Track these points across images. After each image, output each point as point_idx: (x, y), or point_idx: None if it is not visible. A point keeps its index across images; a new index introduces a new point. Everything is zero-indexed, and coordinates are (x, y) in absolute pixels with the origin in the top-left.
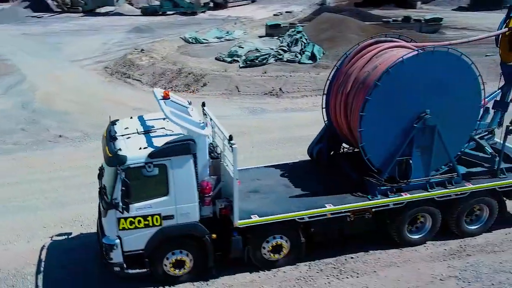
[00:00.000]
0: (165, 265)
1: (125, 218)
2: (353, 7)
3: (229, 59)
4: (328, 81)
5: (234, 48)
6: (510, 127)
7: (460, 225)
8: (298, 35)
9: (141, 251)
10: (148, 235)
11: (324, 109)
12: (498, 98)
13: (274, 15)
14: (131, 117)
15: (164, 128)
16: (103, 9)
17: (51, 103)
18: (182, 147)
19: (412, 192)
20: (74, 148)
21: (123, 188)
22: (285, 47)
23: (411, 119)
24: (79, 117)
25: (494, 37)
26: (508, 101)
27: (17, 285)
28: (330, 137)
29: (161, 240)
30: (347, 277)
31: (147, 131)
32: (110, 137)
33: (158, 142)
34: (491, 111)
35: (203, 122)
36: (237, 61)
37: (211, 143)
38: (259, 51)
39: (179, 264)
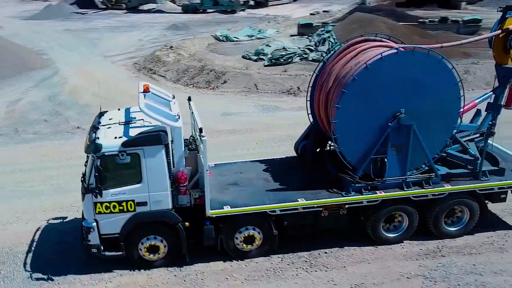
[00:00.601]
0: (140, 250)
1: (101, 203)
2: (394, 7)
3: (255, 58)
4: (315, 75)
5: (261, 47)
6: (491, 130)
7: (438, 226)
8: (327, 35)
9: (116, 235)
10: (123, 220)
11: (308, 101)
12: (491, 101)
13: (311, 14)
14: (119, 109)
15: (143, 119)
16: (145, 7)
17: (77, 96)
18: (154, 137)
19: (388, 191)
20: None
21: (96, 174)
22: (312, 46)
23: (387, 117)
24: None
25: (488, 39)
26: (501, 103)
27: (7, 262)
28: (316, 134)
29: (136, 225)
30: (316, 271)
31: (127, 122)
32: (93, 127)
33: (133, 132)
34: (483, 113)
35: (177, 115)
36: (263, 59)
37: (191, 136)
38: (286, 50)
39: (153, 249)
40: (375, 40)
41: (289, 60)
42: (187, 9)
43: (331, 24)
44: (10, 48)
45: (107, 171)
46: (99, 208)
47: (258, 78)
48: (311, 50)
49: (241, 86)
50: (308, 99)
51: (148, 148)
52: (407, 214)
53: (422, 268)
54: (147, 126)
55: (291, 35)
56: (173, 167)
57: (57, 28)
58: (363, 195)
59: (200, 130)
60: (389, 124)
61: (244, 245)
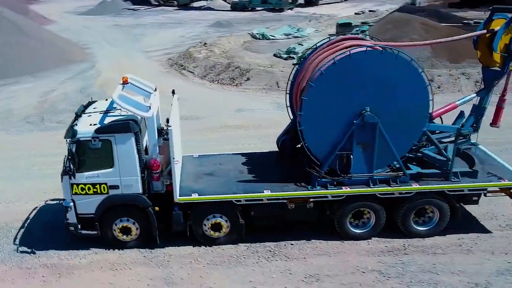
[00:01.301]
0: (114, 230)
1: (77, 184)
2: (446, 7)
3: (285, 56)
4: (296, 68)
5: (294, 45)
6: (461, 131)
7: (406, 225)
8: (360, 35)
9: (92, 215)
10: (97, 201)
11: (288, 95)
12: (476, 103)
13: (355, 13)
14: (106, 99)
15: (120, 109)
16: (196, 4)
17: (106, 89)
18: (123, 125)
19: (354, 187)
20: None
21: (70, 157)
22: None
23: (353, 114)
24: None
25: (472, 39)
26: (486, 106)
27: (2, 234)
28: (294, 130)
29: (109, 207)
30: (276, 260)
31: (107, 111)
32: (75, 114)
33: (108, 121)
34: (466, 115)
35: (149, 106)
36: (293, 58)
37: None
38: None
39: (126, 230)
40: (357, 39)
41: None
42: (235, 7)
43: (370, 23)
44: (56, 42)
45: (82, 155)
46: (75, 189)
47: (281, 76)
48: None
49: (263, 83)
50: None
51: (119, 135)
52: (373, 211)
53: (380, 264)
54: (121, 115)
55: (329, 35)
56: (147, 154)
57: (107, 24)
58: (328, 190)
59: (167, 120)
60: (354, 121)
61: (212, 232)
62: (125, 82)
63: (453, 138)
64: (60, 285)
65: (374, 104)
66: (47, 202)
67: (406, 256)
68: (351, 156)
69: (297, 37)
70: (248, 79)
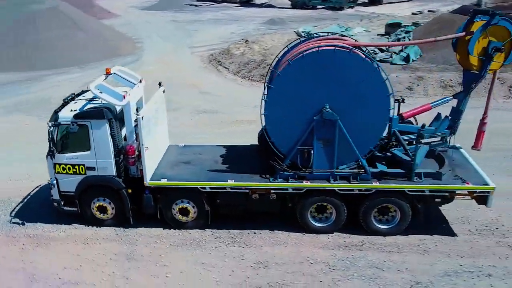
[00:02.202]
0: (93, 209)
1: (59, 164)
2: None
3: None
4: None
5: None
6: (421, 131)
7: (367, 222)
8: (404, 35)
9: (72, 193)
10: (76, 181)
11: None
12: (454, 106)
13: (413, 13)
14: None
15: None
16: (258, 1)
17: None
18: (98, 112)
19: (315, 181)
20: None
21: (50, 139)
22: (385, 46)
23: (315, 112)
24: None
25: (451, 41)
26: (463, 109)
27: (1, 207)
28: None
29: (87, 186)
30: (234, 246)
31: (92, 98)
32: (63, 101)
33: (87, 108)
34: (442, 117)
35: (124, 96)
36: None
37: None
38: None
39: (102, 209)
40: (330, 39)
41: None
42: (296, 4)
43: (420, 24)
44: (109, 36)
45: (63, 138)
46: (57, 169)
47: None
48: (381, 50)
49: None
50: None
51: (94, 121)
52: (334, 206)
53: (331, 257)
54: (101, 103)
55: (378, 34)
56: (124, 140)
57: (165, 19)
58: (288, 183)
59: (137, 109)
60: (314, 118)
61: (180, 216)
62: (108, 73)
63: (429, 140)
64: (35, 253)
65: (335, 102)
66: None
67: (359, 252)
68: (312, 152)
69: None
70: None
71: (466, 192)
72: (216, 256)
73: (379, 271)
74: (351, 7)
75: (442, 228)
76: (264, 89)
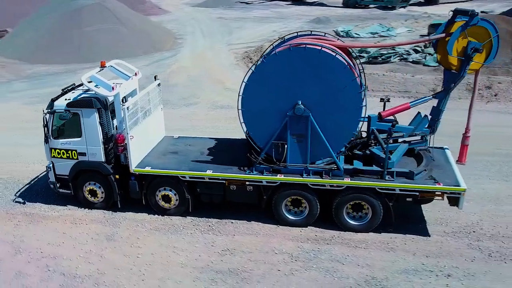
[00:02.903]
0: (84, 192)
1: (54, 149)
2: None
3: (354, 55)
4: None
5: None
6: (392, 130)
7: (339, 218)
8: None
9: (66, 176)
10: (70, 165)
11: None
12: (434, 105)
13: None
14: None
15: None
16: None
17: (173, 77)
18: (86, 102)
19: (288, 175)
20: None
21: (44, 125)
22: (421, 47)
23: (289, 106)
24: (180, 89)
25: (432, 42)
26: (442, 109)
27: (11, 188)
28: None
29: (79, 171)
30: (208, 233)
31: (87, 89)
32: (61, 91)
33: (80, 97)
34: (422, 115)
35: (112, 87)
36: (363, 56)
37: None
38: (394, 49)
39: (93, 193)
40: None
41: (387, 60)
42: (347, 3)
43: None
44: (153, 32)
45: (58, 124)
46: (53, 153)
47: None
48: (416, 51)
49: None
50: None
51: (85, 110)
52: (307, 200)
53: (296, 249)
54: (93, 93)
55: (421, 35)
56: (115, 129)
57: (212, 16)
58: (263, 175)
59: (122, 100)
60: (287, 113)
61: (163, 202)
62: (102, 66)
63: (409, 139)
64: (26, 229)
65: (308, 98)
66: None
67: (326, 246)
68: (286, 146)
69: (383, 36)
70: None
71: (439, 193)
72: (188, 241)
73: (339, 265)
74: (404, 7)
75: (418, 228)
76: (241, 85)
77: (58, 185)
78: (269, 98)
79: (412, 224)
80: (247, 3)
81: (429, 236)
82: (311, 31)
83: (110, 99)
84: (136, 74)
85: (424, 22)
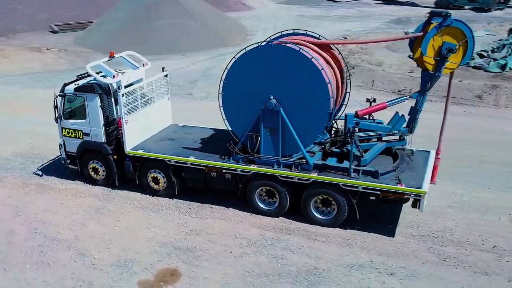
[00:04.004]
0: (89, 169)
1: (64, 128)
2: None
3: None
4: None
5: None
6: (352, 129)
7: (307, 211)
8: (509, 41)
9: (74, 154)
10: (77, 144)
11: None
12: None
13: None
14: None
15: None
16: None
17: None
18: (89, 87)
19: (261, 166)
20: (186, 101)
21: (54, 106)
22: (488, 52)
23: (262, 100)
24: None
25: (409, 42)
26: (419, 109)
27: (35, 162)
28: None
29: (84, 149)
30: (185, 215)
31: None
32: (76, 77)
33: (85, 83)
34: (399, 115)
35: (114, 75)
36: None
37: (143, 92)
38: None
39: (96, 170)
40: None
41: None
42: (440, 4)
43: None
44: (223, 27)
45: (69, 107)
46: (64, 132)
47: (380, 75)
48: (481, 56)
49: (360, 81)
50: None
51: (89, 95)
52: (277, 192)
53: (258, 236)
54: (95, 79)
55: (499, 40)
56: (117, 114)
57: (293, 13)
58: (238, 164)
59: (119, 88)
60: (260, 107)
61: (153, 183)
62: (111, 56)
63: (387, 138)
64: (33, 197)
65: (279, 94)
66: None
67: (287, 236)
68: (259, 138)
69: None
70: (350, 75)
71: (400, 193)
72: (164, 220)
73: (289, 253)
74: (500, 9)
75: (386, 228)
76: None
77: (68, 161)
78: (247, 90)
79: (382, 224)
80: (334, 1)
81: (393, 236)
82: (293, 30)
83: (114, 86)
84: (144, 65)
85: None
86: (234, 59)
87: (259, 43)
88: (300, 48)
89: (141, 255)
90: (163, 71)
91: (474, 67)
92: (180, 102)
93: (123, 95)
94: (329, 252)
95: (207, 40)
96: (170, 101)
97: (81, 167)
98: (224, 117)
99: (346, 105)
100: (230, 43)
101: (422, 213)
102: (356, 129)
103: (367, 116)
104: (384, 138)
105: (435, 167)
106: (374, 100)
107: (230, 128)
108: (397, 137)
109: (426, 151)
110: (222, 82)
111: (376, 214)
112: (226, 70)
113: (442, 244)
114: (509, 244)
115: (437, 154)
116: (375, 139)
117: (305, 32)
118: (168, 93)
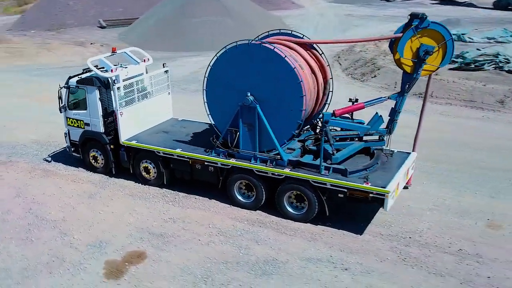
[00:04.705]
0: (90, 157)
1: (68, 118)
2: None
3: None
4: None
5: (470, 50)
6: (325, 128)
7: (280, 205)
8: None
9: (77, 142)
10: (79, 133)
11: None
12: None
13: None
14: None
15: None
16: None
17: None
18: (89, 80)
19: (239, 160)
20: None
21: (59, 97)
22: None
23: (241, 97)
24: None
25: (389, 42)
26: (398, 110)
27: (50, 148)
28: None
29: (85, 138)
30: (169, 204)
31: (100, 68)
32: (82, 70)
33: (86, 76)
34: (378, 116)
35: (111, 70)
36: (456, 61)
37: (141, 86)
38: (497, 56)
39: (95, 159)
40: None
41: (481, 67)
42: (498, 5)
43: None
44: (262, 25)
45: (72, 98)
46: (68, 121)
47: None
48: None
49: (383, 82)
50: None
51: (89, 87)
52: (254, 186)
53: (230, 226)
54: (96, 73)
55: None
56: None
57: (341, 12)
58: (218, 158)
59: (113, 81)
60: (239, 103)
61: (144, 173)
62: (113, 51)
63: (366, 138)
64: (37, 181)
65: (257, 91)
66: None
67: (258, 228)
68: (238, 133)
69: (501, 42)
70: (375, 76)
71: (365, 191)
72: (148, 207)
73: (254, 244)
74: None
75: (357, 226)
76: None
77: (72, 149)
78: (227, 86)
79: (353, 222)
80: (388, 0)
81: (361, 234)
82: (279, 30)
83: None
84: (144, 60)
85: None
86: (215, 57)
87: (237, 42)
88: (275, 47)
89: (116, 238)
90: (163, 67)
91: (508, 71)
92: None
93: (117, 88)
94: (293, 246)
95: (241, 37)
96: (170, 96)
97: (83, 155)
98: (208, 113)
99: (329, 104)
100: None
101: (397, 214)
102: (330, 127)
103: (349, 116)
104: (365, 138)
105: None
106: (356, 100)
107: (213, 123)
108: (376, 137)
109: (407, 152)
110: (205, 79)
111: (351, 212)
112: (209, 67)
113: (407, 244)
114: (476, 248)
115: None
116: (349, 139)
117: (290, 31)
118: (169, 88)
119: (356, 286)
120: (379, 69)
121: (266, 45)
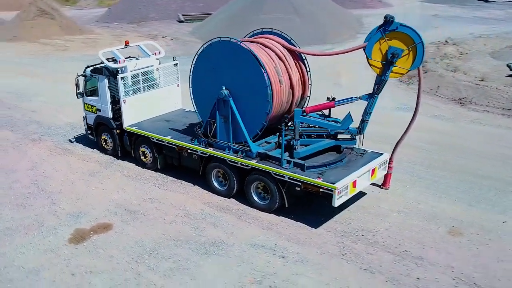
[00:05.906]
0: (101, 140)
1: (85, 103)
2: None
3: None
4: None
5: None
6: (282, 122)
7: (247, 195)
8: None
9: (91, 125)
10: (93, 117)
11: None
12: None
13: None
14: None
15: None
16: None
17: None
18: (99, 70)
19: (216, 150)
20: None
21: (76, 84)
22: None
23: (219, 90)
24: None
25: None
26: (370, 111)
27: (78, 130)
28: None
29: (98, 123)
30: (155, 186)
31: (114, 61)
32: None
33: (98, 66)
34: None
35: (120, 61)
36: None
37: (148, 77)
38: None
39: (105, 141)
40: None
41: None
42: None
43: None
44: (335, 23)
45: (87, 85)
46: (85, 107)
47: (447, 82)
48: None
49: (427, 86)
50: None
51: (100, 76)
52: (227, 174)
53: (198, 210)
54: (106, 64)
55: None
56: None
57: (427, 13)
58: (199, 146)
59: (118, 72)
60: (215, 97)
61: (142, 157)
62: (126, 44)
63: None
64: (53, 157)
65: (231, 85)
66: None
67: (222, 214)
68: (215, 124)
69: None
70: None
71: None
72: (136, 187)
73: (210, 227)
74: None
75: (316, 220)
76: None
77: (89, 132)
78: (208, 82)
79: (315, 216)
80: (487, 1)
81: (315, 228)
82: (262, 29)
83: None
84: (155, 53)
85: None
86: (196, 55)
87: (212, 40)
88: (241, 42)
89: (95, 210)
90: (173, 60)
91: None
92: None
93: (122, 78)
94: (246, 232)
95: (306, 35)
96: (180, 88)
97: (96, 138)
98: (195, 109)
99: (309, 97)
100: (331, 40)
101: (363, 213)
102: (289, 122)
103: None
104: (339, 136)
105: (388, 175)
106: (334, 99)
107: (200, 118)
108: (348, 136)
109: (379, 153)
110: (190, 76)
111: (319, 208)
112: (192, 66)
113: (355, 241)
114: (424, 252)
115: (390, 163)
116: (318, 136)
117: (270, 30)
118: (178, 80)
119: (283, 272)
120: (426, 72)
121: (242, 45)
